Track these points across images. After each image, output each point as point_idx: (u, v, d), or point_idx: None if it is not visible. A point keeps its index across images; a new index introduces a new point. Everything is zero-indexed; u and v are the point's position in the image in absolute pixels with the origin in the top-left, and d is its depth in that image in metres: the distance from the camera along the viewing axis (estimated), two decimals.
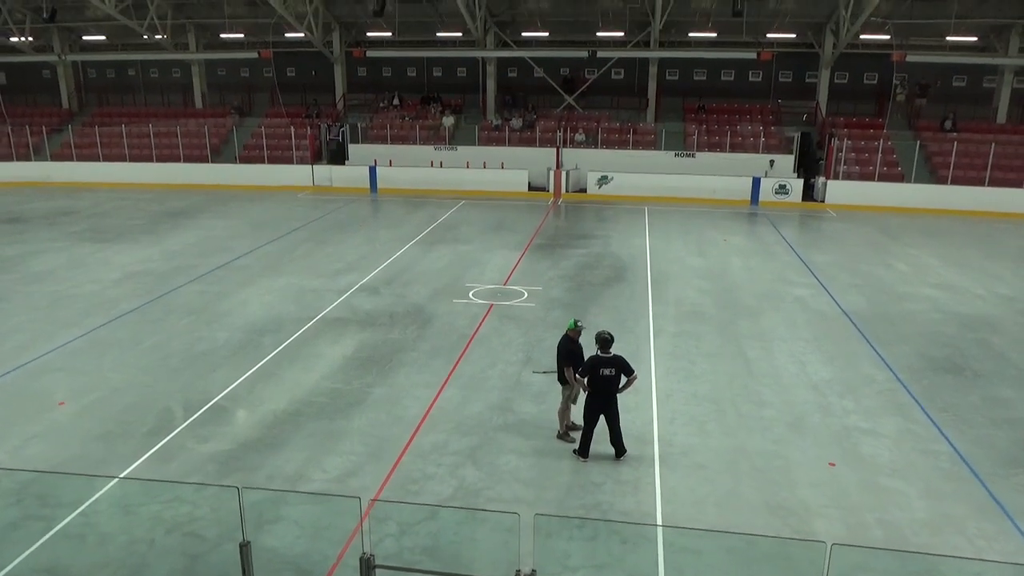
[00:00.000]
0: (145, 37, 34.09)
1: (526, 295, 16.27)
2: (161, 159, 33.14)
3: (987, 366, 12.67)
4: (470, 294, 16.32)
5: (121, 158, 33.20)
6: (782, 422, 10.45)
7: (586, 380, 9.22)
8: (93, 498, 8.35)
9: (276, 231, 22.83)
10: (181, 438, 9.81)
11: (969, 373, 12.36)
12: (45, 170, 33.15)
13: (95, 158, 33.35)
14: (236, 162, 32.95)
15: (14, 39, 35.41)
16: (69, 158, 33.65)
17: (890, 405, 11.08)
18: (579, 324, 9.76)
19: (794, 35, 32.15)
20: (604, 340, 9.19)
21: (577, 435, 9.52)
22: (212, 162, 33.00)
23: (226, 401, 10.93)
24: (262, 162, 32.65)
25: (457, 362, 12.48)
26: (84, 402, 10.88)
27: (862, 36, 30.28)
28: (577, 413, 9.72)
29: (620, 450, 9.31)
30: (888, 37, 30.54)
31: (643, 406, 10.79)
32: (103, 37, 36.45)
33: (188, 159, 33.03)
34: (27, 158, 33.81)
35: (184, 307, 15.31)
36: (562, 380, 9.74)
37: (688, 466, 9.23)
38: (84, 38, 37.16)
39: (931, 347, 13.51)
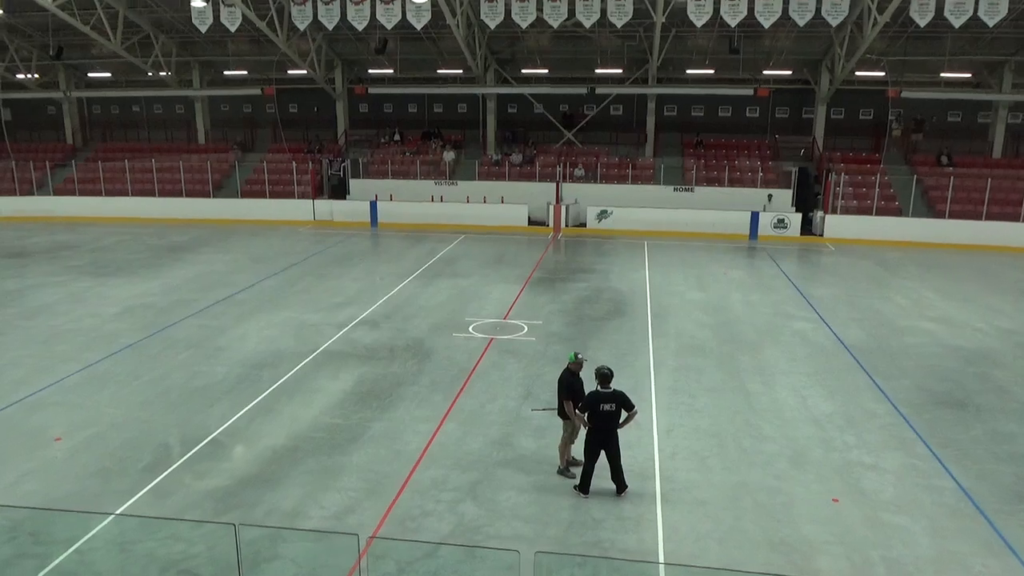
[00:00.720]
0: (150, 74, 34.58)
1: (526, 329, 16.25)
2: (163, 194, 33.35)
3: (989, 400, 12.61)
4: (470, 328, 16.30)
5: (124, 193, 33.40)
6: (784, 457, 10.37)
7: (586, 416, 9.17)
8: (88, 535, 8.24)
9: (277, 265, 22.89)
10: (178, 474, 9.73)
11: (971, 407, 12.29)
12: (48, 205, 33.36)
13: (98, 193, 33.55)
14: (238, 197, 33.17)
15: (20, 76, 35.90)
16: (72, 193, 33.85)
17: (892, 440, 11.00)
18: (580, 357, 9.72)
19: (790, 72, 32.60)
20: (604, 375, 9.16)
21: (578, 471, 9.44)
22: (214, 197, 33.22)
23: (224, 436, 10.86)
24: (264, 197, 32.86)
25: (457, 396, 12.43)
26: (80, 437, 10.81)
27: (857, 73, 30.69)
28: (578, 449, 9.64)
29: (621, 486, 9.22)
30: (883, 74, 30.98)
31: (644, 441, 10.72)
32: (108, 74, 36.99)
33: (190, 194, 33.25)
34: (30, 193, 34.07)
35: (183, 341, 15.29)
36: (563, 415, 9.68)
37: (690, 502, 9.14)
38: (89, 75, 37.69)
39: (932, 381, 13.46)
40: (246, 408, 11.85)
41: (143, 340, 15.36)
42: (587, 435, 9.25)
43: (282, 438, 10.80)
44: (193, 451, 10.36)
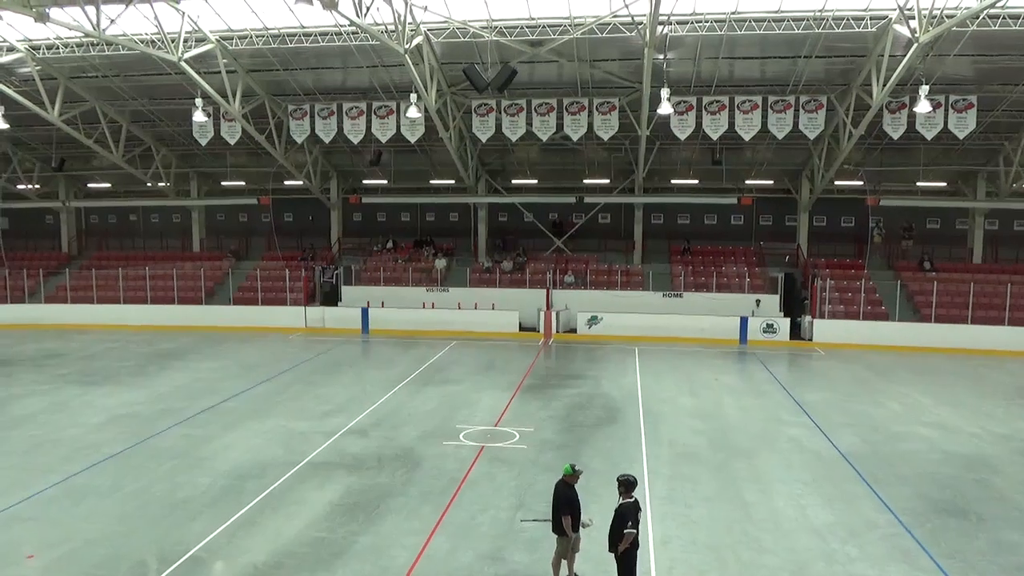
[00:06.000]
0: (149, 185, 35.39)
1: (517, 437, 16.00)
2: (156, 301, 33.38)
3: (990, 508, 12.34)
4: (460, 436, 16.04)
5: (116, 301, 33.43)
6: (786, 571, 10.02)
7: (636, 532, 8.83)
8: None
9: (266, 372, 22.69)
10: None
11: (973, 516, 12.02)
12: (38, 312, 33.31)
13: (90, 301, 33.57)
14: (230, 304, 33.25)
15: (21, 186, 36.68)
16: (64, 301, 33.89)
17: (895, 551, 10.69)
18: (576, 469, 9.47)
19: (772, 181, 33.68)
20: (630, 483, 8.96)
21: None
22: (206, 304, 33.28)
23: (204, 552, 10.44)
24: (256, 304, 32.95)
25: (447, 508, 12.08)
26: (54, 555, 10.37)
27: (837, 182, 31.79)
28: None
29: None
30: (861, 183, 32.04)
31: (640, 554, 10.26)
32: (108, 184, 37.84)
33: (183, 301, 33.31)
34: (21, 301, 34.07)
35: (168, 451, 14.94)
36: (557, 530, 9.32)
37: None
38: (89, 185, 38.53)
39: (931, 488, 13.21)
40: (228, 522, 11.45)
41: (126, 450, 15.01)
42: (630, 553, 8.86)
43: (264, 554, 10.40)
44: (170, 569, 9.92)
